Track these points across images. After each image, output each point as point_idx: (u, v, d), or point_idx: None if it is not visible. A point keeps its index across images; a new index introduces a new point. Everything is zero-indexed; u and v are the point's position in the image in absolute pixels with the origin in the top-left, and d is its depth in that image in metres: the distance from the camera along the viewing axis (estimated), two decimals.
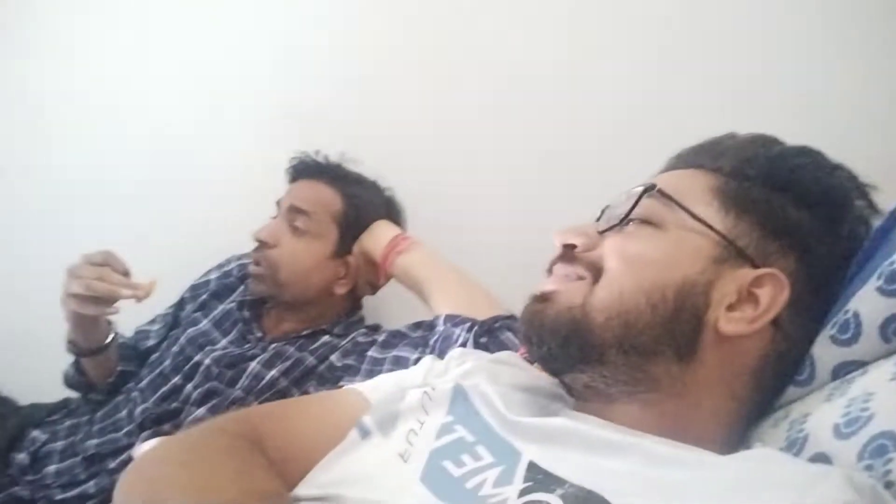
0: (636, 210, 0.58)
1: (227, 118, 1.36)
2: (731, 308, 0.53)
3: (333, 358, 1.04)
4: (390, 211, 1.15)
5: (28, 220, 1.40)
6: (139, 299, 0.96)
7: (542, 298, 0.59)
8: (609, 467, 0.48)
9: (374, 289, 1.16)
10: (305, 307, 1.13)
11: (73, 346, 1.08)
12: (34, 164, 1.40)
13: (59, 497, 0.99)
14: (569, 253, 0.60)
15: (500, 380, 0.61)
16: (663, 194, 0.58)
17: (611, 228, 0.59)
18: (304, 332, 1.09)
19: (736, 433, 0.55)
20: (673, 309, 0.53)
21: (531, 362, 0.66)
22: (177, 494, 0.47)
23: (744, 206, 0.56)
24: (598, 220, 0.62)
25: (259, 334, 1.12)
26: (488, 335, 0.89)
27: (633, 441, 0.49)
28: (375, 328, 1.13)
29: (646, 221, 0.57)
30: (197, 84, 1.38)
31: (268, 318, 1.14)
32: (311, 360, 1.04)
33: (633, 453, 0.48)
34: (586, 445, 0.50)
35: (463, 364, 0.66)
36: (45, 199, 1.38)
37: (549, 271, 0.62)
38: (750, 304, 0.53)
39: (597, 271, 0.57)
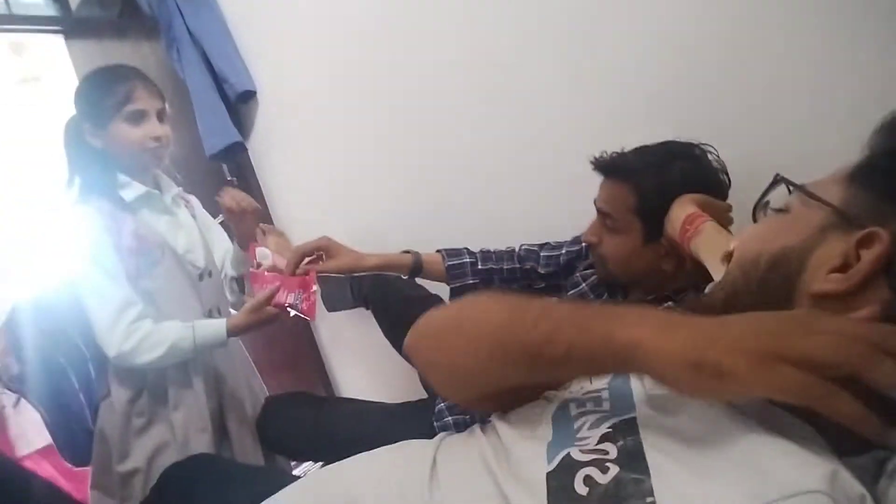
0: (770, 200, 0.65)
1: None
2: (834, 271, 0.53)
3: None
4: (688, 182, 1.09)
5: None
6: None
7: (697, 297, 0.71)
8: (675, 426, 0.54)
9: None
10: (644, 283, 1.22)
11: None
12: None
13: None
14: None
15: None
16: (786, 181, 0.63)
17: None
18: (650, 299, 1.18)
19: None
20: (763, 274, 0.57)
21: None
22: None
23: (865, 176, 0.56)
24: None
25: (621, 299, 1.26)
26: None
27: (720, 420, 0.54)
28: None
29: (776, 209, 0.63)
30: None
31: (629, 287, 1.27)
32: None
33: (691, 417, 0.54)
34: (688, 415, 0.57)
35: None
36: None
37: None
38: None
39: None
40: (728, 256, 0.66)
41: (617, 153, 1.17)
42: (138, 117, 1.41)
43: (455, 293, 1.50)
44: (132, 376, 1.44)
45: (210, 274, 1.58)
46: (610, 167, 1.17)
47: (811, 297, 0.53)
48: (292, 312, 1.43)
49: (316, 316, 1.44)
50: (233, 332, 1.43)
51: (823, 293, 0.52)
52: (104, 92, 1.40)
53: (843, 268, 0.52)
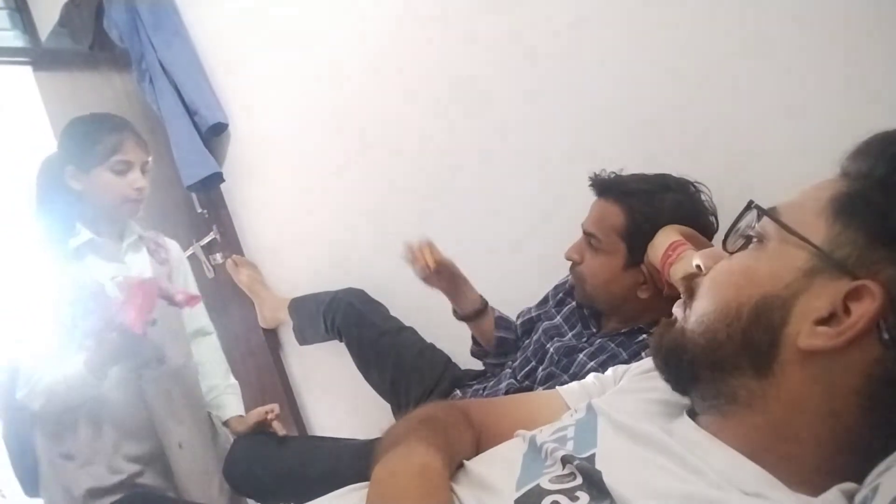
0: (745, 228, 0.60)
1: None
2: (821, 322, 0.50)
3: (644, 355, 1.11)
4: (678, 215, 1.11)
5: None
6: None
7: (669, 324, 0.63)
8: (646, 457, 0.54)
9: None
10: (619, 310, 1.22)
11: (455, 313, 1.47)
12: None
13: None
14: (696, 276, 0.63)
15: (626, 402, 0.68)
16: (760, 209, 0.58)
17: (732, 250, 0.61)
18: (624, 331, 1.18)
19: (852, 463, 0.50)
20: (746, 325, 0.53)
21: None
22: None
23: (854, 212, 0.51)
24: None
25: (594, 329, 1.26)
26: None
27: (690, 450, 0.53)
28: None
29: (753, 238, 0.58)
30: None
31: (603, 316, 1.27)
32: (624, 356, 1.14)
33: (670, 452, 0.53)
34: (645, 443, 0.56)
35: (620, 381, 0.76)
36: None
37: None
38: (847, 318, 0.49)
39: (693, 294, 0.61)
40: (689, 278, 0.63)
41: (615, 174, 1.19)
42: (124, 168, 1.42)
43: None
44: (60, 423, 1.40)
45: (155, 322, 1.44)
46: (606, 186, 1.18)
47: (799, 352, 0.50)
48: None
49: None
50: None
51: (812, 349, 0.49)
52: (95, 138, 1.41)
53: (830, 319, 0.49)
